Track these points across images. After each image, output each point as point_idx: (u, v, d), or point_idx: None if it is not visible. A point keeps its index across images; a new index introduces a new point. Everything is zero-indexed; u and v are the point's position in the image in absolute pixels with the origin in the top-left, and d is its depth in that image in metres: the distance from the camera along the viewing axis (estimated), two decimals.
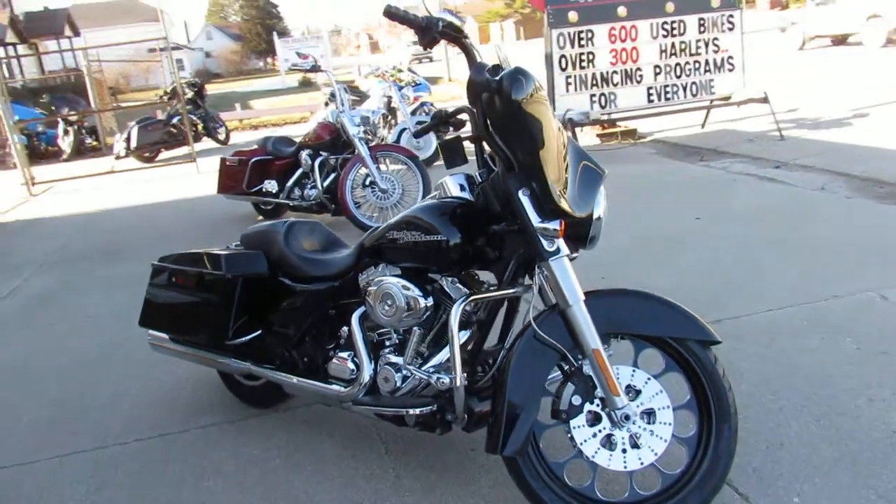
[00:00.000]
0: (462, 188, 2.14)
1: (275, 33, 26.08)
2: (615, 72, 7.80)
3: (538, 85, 1.87)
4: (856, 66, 13.40)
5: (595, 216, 1.99)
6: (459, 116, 2.17)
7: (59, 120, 13.42)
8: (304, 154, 5.76)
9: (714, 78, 8.08)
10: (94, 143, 14.05)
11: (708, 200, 5.44)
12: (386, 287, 2.18)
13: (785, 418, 2.44)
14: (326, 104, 6.98)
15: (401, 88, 8.41)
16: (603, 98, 7.83)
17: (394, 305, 2.16)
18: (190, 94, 12.24)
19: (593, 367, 1.91)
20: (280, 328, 2.64)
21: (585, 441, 1.94)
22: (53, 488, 2.52)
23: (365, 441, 2.60)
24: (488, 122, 1.90)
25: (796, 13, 20.64)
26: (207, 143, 12.73)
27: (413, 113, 8.19)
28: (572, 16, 7.56)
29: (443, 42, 2.01)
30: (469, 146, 2.08)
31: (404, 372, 2.23)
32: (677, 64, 7.95)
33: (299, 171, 5.82)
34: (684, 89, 8.03)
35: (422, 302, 2.14)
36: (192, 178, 9.35)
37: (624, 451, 1.94)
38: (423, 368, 2.19)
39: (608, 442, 1.95)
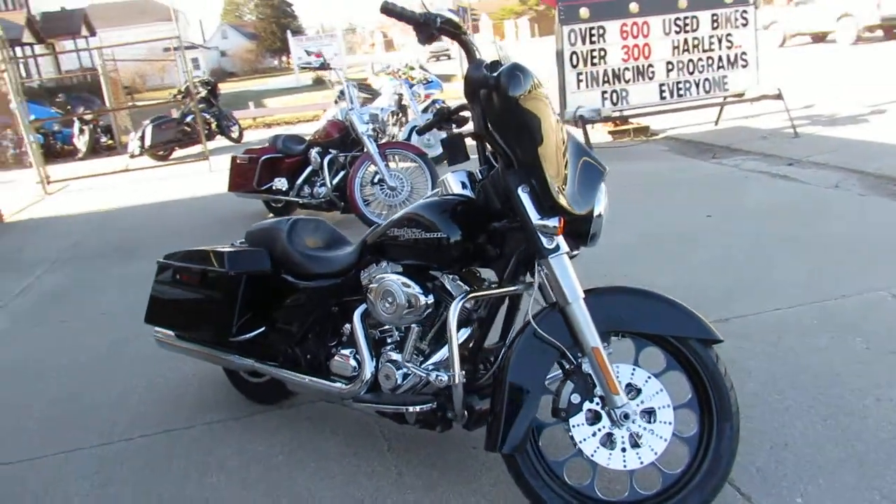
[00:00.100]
0: (463, 185, 2.13)
1: (289, 32, 26.14)
2: (627, 68, 7.77)
3: (536, 81, 1.86)
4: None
5: (596, 213, 1.97)
6: (462, 113, 2.16)
7: (75, 119, 13.54)
8: (314, 152, 5.77)
9: (727, 74, 8.03)
10: (110, 141, 14.18)
11: (719, 198, 5.39)
12: (387, 284, 2.18)
13: (790, 418, 2.41)
14: (336, 102, 6.99)
15: (412, 86, 8.41)
16: (614, 95, 7.79)
17: (394, 303, 2.16)
18: (203, 92, 12.31)
19: (592, 365, 1.89)
20: (283, 325, 2.65)
21: (585, 440, 1.93)
22: (58, 484, 2.54)
23: (368, 438, 2.60)
24: (486, 118, 1.89)
25: (775, 11, 21.64)
26: (221, 141, 12.80)
27: (424, 110, 8.18)
28: (583, 12, 7.53)
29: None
30: (472, 143, 2.07)
31: (405, 369, 2.23)
32: (690, 60, 7.90)
33: (309, 169, 5.83)
34: (697, 86, 7.98)
35: (422, 299, 2.14)
36: (204, 176, 9.40)
37: (623, 450, 1.93)
38: (423, 366, 2.19)
39: (608, 441, 1.93)
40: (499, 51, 1.99)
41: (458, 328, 2.16)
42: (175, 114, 12.38)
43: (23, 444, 2.85)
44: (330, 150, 5.72)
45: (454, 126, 2.29)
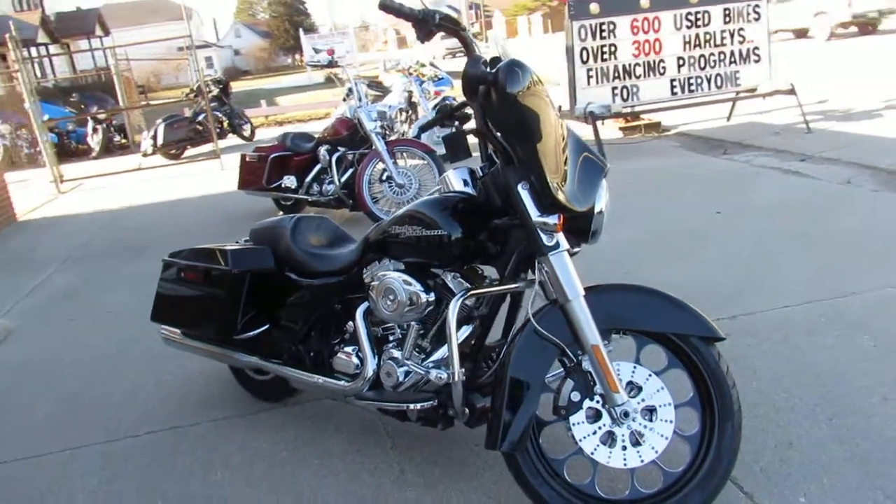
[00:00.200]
0: (465, 183, 2.13)
1: (301, 29, 26.19)
2: (637, 64, 7.71)
3: (535, 78, 1.85)
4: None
5: (597, 210, 1.96)
6: (466, 110, 2.15)
7: (89, 118, 13.64)
8: (323, 150, 5.78)
9: (739, 69, 7.95)
10: (123, 140, 14.28)
11: (730, 194, 5.36)
12: (388, 282, 2.18)
13: (795, 417, 2.39)
14: (344, 99, 6.99)
15: (422, 83, 8.40)
16: (625, 91, 7.74)
17: (396, 300, 2.16)
18: (215, 91, 12.36)
19: (592, 363, 1.88)
20: (287, 323, 2.66)
21: (585, 438, 1.92)
22: (64, 480, 2.56)
23: (371, 436, 2.60)
24: (485, 115, 1.89)
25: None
26: (233, 139, 12.84)
27: (434, 107, 8.17)
28: (594, 7, 7.48)
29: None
30: (475, 140, 2.06)
31: (406, 367, 2.23)
32: (701, 55, 7.83)
33: (318, 167, 5.84)
34: (709, 81, 7.91)
35: (423, 297, 2.14)
36: (215, 174, 9.44)
37: (624, 448, 1.92)
38: (424, 363, 2.19)
39: (608, 439, 1.93)
40: (498, 46, 1.99)
41: (460, 326, 2.17)
42: (187, 113, 12.44)
43: (30, 440, 2.88)
44: (338, 148, 5.73)
45: (457, 123, 2.29)
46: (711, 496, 1.89)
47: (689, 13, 7.69)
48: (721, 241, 4.31)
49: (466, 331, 2.18)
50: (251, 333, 2.67)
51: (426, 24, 1.90)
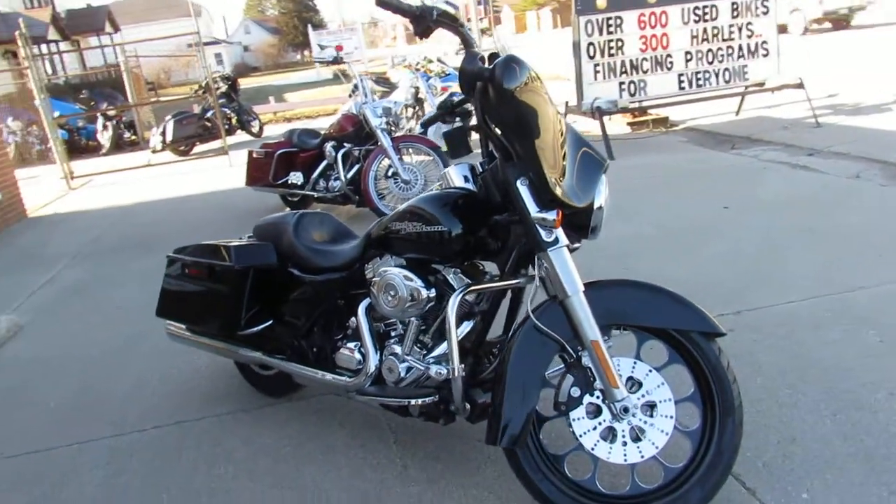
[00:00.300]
0: (466, 179, 2.13)
1: (309, 26, 26.20)
2: (645, 59, 7.69)
3: (533, 74, 1.85)
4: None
5: (596, 206, 1.95)
6: (467, 106, 2.15)
7: (99, 115, 13.71)
8: (329, 146, 5.79)
9: (748, 64, 7.92)
10: (133, 137, 14.34)
11: (738, 189, 5.33)
12: (389, 278, 2.19)
13: (799, 413, 2.38)
14: (350, 95, 7.00)
15: (428, 79, 8.40)
16: (632, 86, 7.72)
17: (396, 296, 2.17)
18: (223, 87, 12.41)
19: (592, 358, 1.88)
20: (290, 318, 2.67)
21: (585, 433, 1.92)
22: (72, 474, 2.58)
23: (374, 431, 2.61)
24: (483, 111, 1.89)
25: None
26: (241, 136, 12.90)
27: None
28: (600, 2, 7.46)
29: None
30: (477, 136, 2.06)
31: (408, 363, 2.23)
32: (709, 50, 7.80)
33: (324, 163, 5.85)
34: (717, 76, 7.88)
35: (424, 293, 2.14)
36: (224, 170, 9.47)
37: (624, 443, 1.92)
38: (425, 359, 2.19)
39: (609, 434, 1.93)
40: (498, 42, 1.99)
41: (461, 322, 2.17)
42: (196, 109, 12.49)
43: (39, 434, 2.90)
44: (344, 144, 5.73)
45: (458, 119, 2.29)
46: (712, 492, 1.89)
47: (696, 7, 7.65)
48: (728, 236, 4.29)
49: (467, 327, 2.19)
50: (255, 329, 2.69)
51: (424, 20, 1.90)
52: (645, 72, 7.70)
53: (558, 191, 1.83)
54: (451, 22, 1.93)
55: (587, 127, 8.30)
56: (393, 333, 2.36)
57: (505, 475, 2.18)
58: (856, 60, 12.22)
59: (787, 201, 4.86)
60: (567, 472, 1.95)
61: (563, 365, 1.99)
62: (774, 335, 2.94)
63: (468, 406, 2.12)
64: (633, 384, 1.94)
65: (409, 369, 2.23)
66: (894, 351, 2.71)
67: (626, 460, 1.92)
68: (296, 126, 7.80)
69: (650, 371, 1.94)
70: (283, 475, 2.43)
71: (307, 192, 5.94)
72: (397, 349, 2.28)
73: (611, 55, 7.59)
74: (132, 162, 11.02)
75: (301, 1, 66.28)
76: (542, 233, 1.87)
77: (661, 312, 1.94)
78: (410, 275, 2.16)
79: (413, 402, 2.20)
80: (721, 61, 7.84)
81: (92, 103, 14.64)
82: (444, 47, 12.22)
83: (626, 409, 1.89)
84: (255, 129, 13.10)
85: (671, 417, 1.92)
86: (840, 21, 19.99)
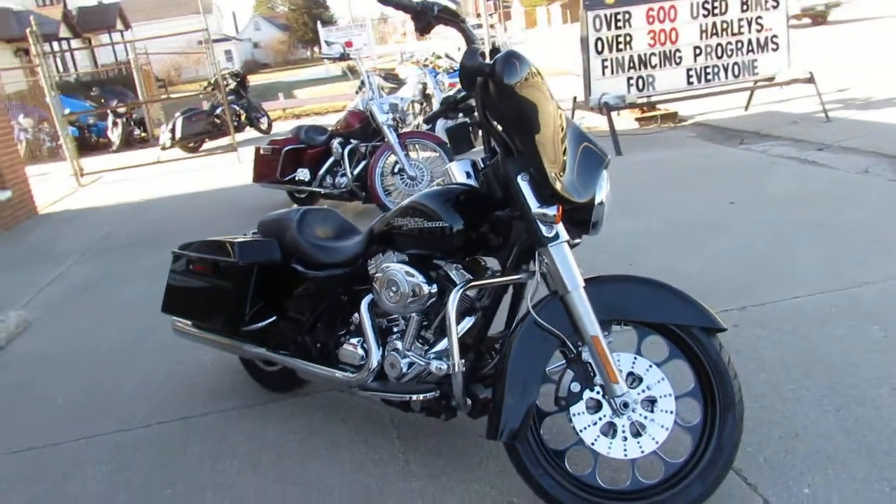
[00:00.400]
0: (467, 175, 2.13)
1: (318, 22, 26.23)
2: (653, 54, 7.64)
3: (533, 69, 1.85)
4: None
5: (597, 201, 1.95)
6: (470, 101, 2.15)
7: (109, 112, 13.79)
8: (335, 142, 5.80)
9: (757, 58, 7.85)
10: (143, 134, 14.42)
11: (746, 184, 5.30)
12: (391, 274, 2.19)
13: (802, 408, 2.37)
14: (358, 91, 7.01)
15: (437, 75, 8.39)
16: (640, 81, 7.68)
17: (398, 292, 2.17)
18: (232, 84, 12.45)
19: (592, 353, 1.88)
20: (294, 314, 2.68)
21: (585, 428, 1.93)
22: (78, 468, 2.61)
23: (377, 426, 2.62)
24: (484, 107, 1.89)
25: None
26: (251, 132, 12.94)
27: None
28: None
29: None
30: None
31: (409, 358, 2.24)
32: (718, 44, 7.74)
33: (331, 160, 5.86)
34: (726, 70, 7.82)
35: (425, 288, 2.14)
36: (233, 167, 9.51)
37: (625, 438, 1.92)
38: (425, 354, 2.20)
39: (609, 429, 1.93)
40: (498, 37, 1.98)
41: (462, 317, 2.18)
42: (205, 106, 12.54)
43: (46, 430, 2.93)
44: (351, 141, 5.74)
45: (461, 115, 2.29)
46: (713, 487, 1.89)
47: (705, 2, 7.60)
48: (736, 231, 4.28)
49: (469, 322, 2.19)
50: (259, 325, 2.70)
51: (424, 16, 1.90)
52: (653, 67, 7.65)
53: (558, 186, 1.83)
54: (452, 18, 1.93)
55: (595, 122, 8.29)
56: (395, 329, 2.37)
57: (506, 470, 2.19)
58: (853, 55, 12.13)
59: (795, 196, 4.83)
60: (567, 467, 1.95)
61: (563, 360, 1.99)
62: (780, 330, 2.93)
63: (469, 401, 2.13)
64: (634, 379, 1.94)
65: (410, 365, 2.24)
66: None
67: (626, 455, 1.92)
68: (304, 122, 7.82)
69: (650, 366, 1.94)
70: (286, 470, 2.44)
71: (314, 189, 5.96)
72: (399, 345, 2.28)
73: (619, 50, 7.56)
74: (142, 159, 11.08)
75: None
76: (543, 228, 1.87)
77: (662, 308, 1.94)
78: (412, 270, 2.17)
79: (414, 397, 2.20)
80: (730, 56, 7.78)
81: (102, 100, 14.72)
82: (453, 43, 12.19)
83: (626, 405, 1.90)
84: (264, 126, 13.15)
85: (671, 413, 1.92)
86: (817, 17, 20.80)
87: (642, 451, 1.91)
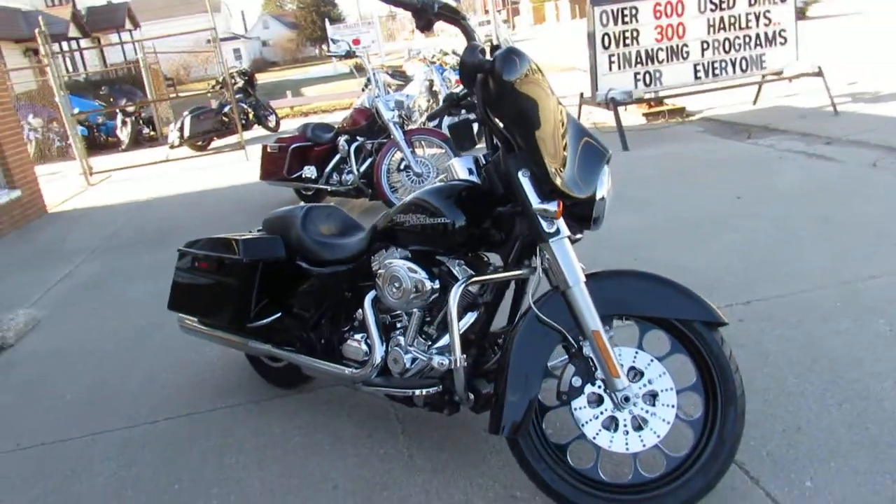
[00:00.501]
0: (470, 171, 2.13)
1: (327, 20, 26.25)
2: (660, 49, 7.62)
3: (533, 66, 1.85)
4: None
5: (598, 196, 1.95)
6: (473, 98, 2.15)
7: (118, 111, 13.86)
8: (342, 140, 5.82)
9: (765, 52, 7.82)
10: (151, 133, 14.49)
11: (753, 179, 5.28)
12: (393, 270, 2.20)
13: (806, 402, 2.37)
14: (363, 89, 7.02)
15: (443, 72, 8.39)
16: (647, 76, 7.66)
17: (401, 288, 2.18)
18: (240, 82, 12.49)
19: (593, 348, 1.89)
20: (298, 311, 2.69)
21: (587, 422, 1.93)
22: (85, 464, 2.64)
23: (382, 422, 2.63)
24: (484, 103, 1.89)
25: None
26: (258, 130, 12.98)
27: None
28: None
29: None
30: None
31: (412, 353, 2.25)
32: (726, 39, 7.71)
33: (337, 157, 5.88)
34: (733, 65, 7.79)
35: (428, 284, 2.15)
36: (241, 165, 9.55)
37: (626, 432, 1.92)
38: (428, 350, 2.21)
39: (610, 423, 1.93)
40: (498, 33, 1.99)
41: (465, 312, 2.19)
42: (213, 104, 12.58)
43: (55, 426, 2.96)
44: (357, 138, 5.76)
45: (464, 111, 2.30)
46: (714, 480, 1.89)
47: None
48: (741, 226, 4.26)
49: (471, 318, 2.20)
50: (264, 321, 2.72)
51: (425, 14, 1.90)
52: (660, 62, 7.63)
53: (558, 181, 1.84)
54: (453, 15, 1.93)
55: (602, 118, 8.27)
56: (399, 325, 2.39)
57: (510, 465, 2.20)
58: (856, 49, 12.04)
59: (802, 191, 4.82)
60: (570, 461, 1.96)
61: (565, 355, 2.00)
62: (784, 325, 2.92)
63: (472, 396, 2.14)
64: (635, 374, 1.95)
65: (413, 360, 2.25)
66: None
67: (627, 449, 1.92)
68: (311, 120, 7.84)
69: (652, 361, 1.94)
70: (291, 465, 2.46)
71: (321, 186, 5.98)
72: (402, 340, 2.29)
73: (626, 45, 7.54)
74: (150, 157, 11.14)
75: None
76: (544, 224, 1.88)
77: (663, 302, 1.94)
78: (415, 266, 2.18)
79: (417, 392, 2.22)
80: (738, 50, 7.75)
81: (111, 100, 14.80)
82: (461, 40, 12.17)
83: (627, 399, 1.90)
84: (272, 124, 13.18)
85: (673, 407, 1.92)
86: (798, 12, 21.24)
87: (644, 445, 1.92)
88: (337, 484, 2.31)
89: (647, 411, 1.92)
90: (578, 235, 2.00)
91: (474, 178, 2.11)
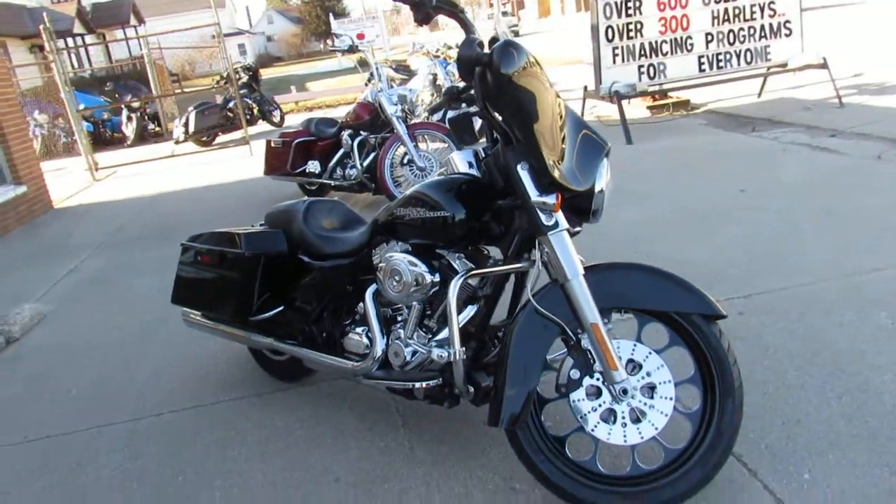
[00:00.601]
0: (470, 165, 2.14)
1: (331, 14, 26.23)
2: (664, 41, 7.59)
3: (531, 59, 1.86)
4: None
5: (597, 189, 1.96)
6: (472, 92, 2.16)
7: (123, 107, 13.89)
8: (345, 134, 5.83)
9: (770, 44, 7.78)
10: (157, 128, 14.53)
11: (756, 172, 5.27)
12: (394, 263, 2.22)
13: (806, 395, 2.37)
14: (367, 83, 7.02)
15: (447, 66, 8.38)
16: (651, 69, 7.63)
17: (401, 281, 2.19)
18: (245, 78, 12.50)
19: (592, 341, 1.90)
20: (300, 304, 2.71)
21: (586, 415, 1.94)
22: (90, 457, 2.66)
23: (383, 415, 2.65)
24: (483, 97, 1.90)
25: None
26: (263, 125, 13.00)
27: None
28: None
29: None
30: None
31: (412, 346, 2.27)
32: (730, 31, 7.68)
33: (341, 152, 5.88)
34: (738, 57, 7.75)
35: (428, 277, 2.16)
36: (245, 160, 9.57)
37: (624, 425, 1.93)
38: (428, 343, 2.22)
39: (609, 416, 1.94)
40: (497, 27, 1.99)
41: (465, 306, 2.20)
42: (218, 100, 12.60)
43: (61, 419, 2.99)
44: (360, 132, 5.76)
45: (465, 105, 2.30)
46: (713, 472, 1.90)
47: None
48: (745, 219, 4.26)
49: (471, 311, 2.21)
50: (266, 315, 2.74)
51: (423, 7, 1.91)
52: (664, 54, 7.60)
53: (556, 174, 1.84)
54: (450, 7, 1.94)
55: (606, 111, 8.25)
56: (399, 318, 2.40)
57: (509, 457, 2.20)
58: (860, 40, 11.97)
59: (806, 183, 4.80)
60: (568, 453, 1.97)
61: (564, 348, 2.01)
62: (786, 318, 2.93)
63: (472, 389, 2.15)
64: (634, 366, 1.95)
65: (413, 353, 2.27)
66: None
67: (626, 441, 1.93)
68: (315, 115, 7.85)
69: (650, 353, 1.95)
70: (294, 457, 2.48)
71: (324, 181, 5.99)
72: (402, 333, 2.31)
73: (630, 38, 7.51)
74: (156, 153, 11.18)
75: None
76: (542, 216, 1.88)
77: (662, 295, 1.95)
78: (415, 260, 2.19)
79: (417, 385, 2.23)
80: (743, 42, 7.71)
81: (116, 95, 14.84)
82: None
83: (625, 391, 1.91)
84: (277, 119, 13.19)
85: (671, 399, 1.93)
86: None
87: (642, 437, 1.92)
88: (339, 476, 2.33)
89: (645, 403, 1.93)
90: (577, 228, 2.01)
91: (474, 172, 2.12)
